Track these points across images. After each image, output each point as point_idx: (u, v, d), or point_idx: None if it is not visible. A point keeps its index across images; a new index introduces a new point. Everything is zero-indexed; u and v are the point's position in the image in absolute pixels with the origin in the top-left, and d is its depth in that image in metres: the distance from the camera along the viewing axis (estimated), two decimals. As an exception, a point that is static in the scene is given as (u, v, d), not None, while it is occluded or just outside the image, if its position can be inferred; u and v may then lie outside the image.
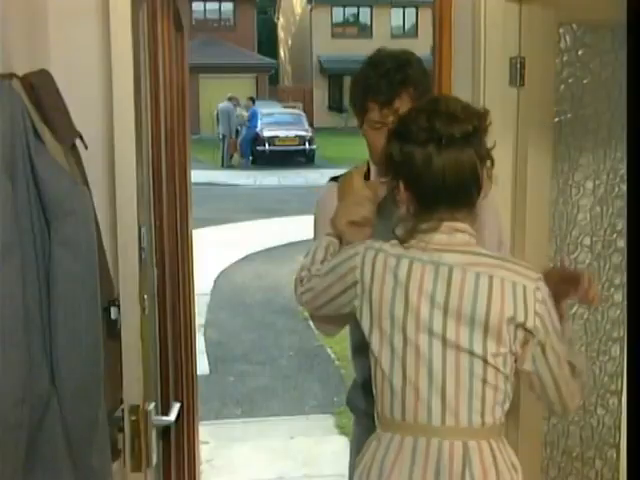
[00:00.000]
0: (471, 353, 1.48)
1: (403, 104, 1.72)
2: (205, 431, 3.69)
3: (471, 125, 1.49)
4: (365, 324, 1.57)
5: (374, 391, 1.59)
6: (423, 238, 1.52)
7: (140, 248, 1.48)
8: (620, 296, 2.40)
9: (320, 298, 1.68)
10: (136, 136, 1.44)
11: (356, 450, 1.77)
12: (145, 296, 1.52)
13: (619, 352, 2.42)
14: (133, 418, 1.48)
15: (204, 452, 3.54)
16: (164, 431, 1.99)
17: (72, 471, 1.43)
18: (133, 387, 1.48)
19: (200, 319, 5.92)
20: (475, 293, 1.47)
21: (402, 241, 1.54)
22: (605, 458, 2.48)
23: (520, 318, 1.47)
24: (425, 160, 1.48)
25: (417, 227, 1.53)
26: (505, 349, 1.49)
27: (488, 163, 1.54)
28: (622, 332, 2.40)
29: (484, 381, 1.49)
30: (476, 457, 1.50)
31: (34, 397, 1.33)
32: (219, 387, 4.96)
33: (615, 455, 2.44)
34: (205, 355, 5.42)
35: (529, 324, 1.48)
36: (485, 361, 1.48)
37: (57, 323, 1.39)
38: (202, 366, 5.01)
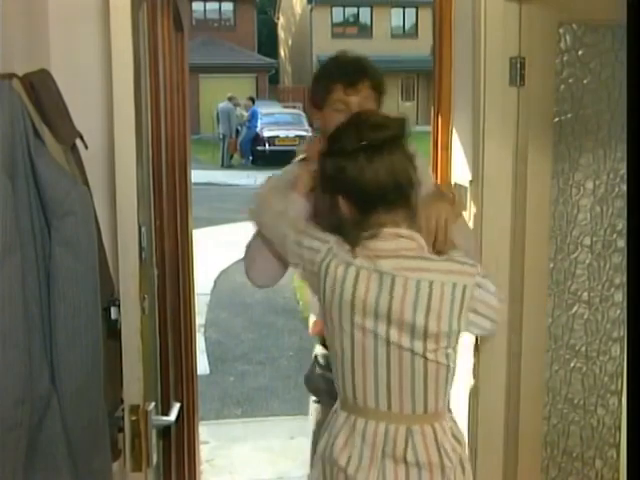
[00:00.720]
0: (412, 352, 1.60)
1: (364, 91, 1.86)
2: (205, 431, 3.69)
3: (395, 130, 1.60)
4: (321, 313, 1.72)
5: (333, 371, 1.72)
6: (367, 245, 1.60)
7: (140, 248, 1.48)
8: (620, 296, 2.40)
9: (268, 222, 1.87)
10: (136, 136, 1.43)
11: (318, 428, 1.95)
12: (145, 296, 1.52)
13: (619, 352, 2.42)
14: (133, 418, 1.48)
15: (204, 452, 3.54)
16: (164, 431, 1.99)
17: (72, 471, 1.43)
18: (133, 387, 1.48)
19: (200, 319, 5.92)
20: (415, 303, 1.57)
21: (351, 249, 1.62)
22: (605, 458, 2.48)
23: (454, 326, 1.60)
24: (358, 170, 1.56)
25: (360, 235, 1.61)
26: (445, 344, 1.61)
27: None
28: (622, 332, 2.40)
29: (425, 375, 1.61)
30: (419, 438, 1.63)
31: (34, 397, 1.33)
32: (219, 387, 4.96)
33: (615, 455, 2.44)
34: (205, 355, 5.41)
35: (463, 321, 1.61)
36: (425, 358, 1.60)
37: (57, 322, 1.39)
38: (202, 366, 5.00)
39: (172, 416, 1.77)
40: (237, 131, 17.82)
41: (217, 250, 8.61)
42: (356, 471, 1.64)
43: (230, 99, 17.71)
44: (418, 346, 1.59)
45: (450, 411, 1.74)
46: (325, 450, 1.71)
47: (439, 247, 1.71)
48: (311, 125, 19.88)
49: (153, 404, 1.53)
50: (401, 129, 1.60)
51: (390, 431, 1.63)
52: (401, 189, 1.59)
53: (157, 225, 1.93)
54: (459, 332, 1.62)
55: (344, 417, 1.69)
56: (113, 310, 1.58)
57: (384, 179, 1.56)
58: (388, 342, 1.60)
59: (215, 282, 7.53)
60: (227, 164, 17.51)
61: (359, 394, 1.65)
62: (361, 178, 1.56)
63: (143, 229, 1.51)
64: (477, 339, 2.37)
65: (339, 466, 1.66)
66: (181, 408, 2.21)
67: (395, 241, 1.60)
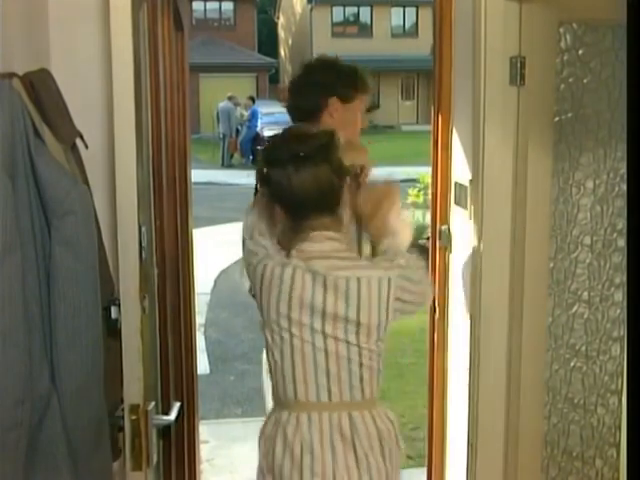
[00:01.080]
0: (347, 342, 1.75)
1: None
2: (205, 430, 3.69)
3: (321, 141, 1.73)
4: (260, 320, 1.83)
5: (272, 376, 1.85)
6: (300, 247, 1.75)
7: (140, 247, 1.48)
8: (620, 295, 2.39)
9: None
10: (136, 136, 1.43)
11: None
12: (145, 295, 1.52)
13: (619, 351, 2.42)
14: (133, 417, 1.48)
15: (204, 451, 3.54)
16: (164, 430, 1.99)
17: (72, 470, 1.43)
18: (133, 386, 1.48)
19: (200, 318, 5.92)
20: (347, 297, 1.72)
21: (287, 252, 1.77)
22: (605, 457, 2.48)
23: (383, 317, 1.75)
24: (287, 179, 1.71)
25: (293, 238, 1.77)
26: (376, 334, 1.76)
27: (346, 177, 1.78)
28: (622, 331, 2.40)
29: (360, 364, 1.77)
30: (361, 423, 1.79)
31: (34, 396, 1.33)
32: (219, 386, 4.96)
33: (615, 454, 2.44)
34: (205, 354, 5.41)
35: (390, 312, 1.76)
36: (359, 347, 1.76)
37: (57, 322, 1.39)
38: (202, 365, 5.00)
39: (172, 415, 1.77)
40: (237, 131, 17.81)
41: (217, 250, 8.62)
42: (312, 460, 1.77)
43: (230, 98, 17.70)
44: (352, 337, 1.75)
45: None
46: (275, 451, 1.82)
47: (373, 231, 1.92)
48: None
49: (153, 403, 1.53)
50: (328, 140, 1.74)
51: (334, 419, 1.78)
52: (325, 196, 1.74)
53: (157, 225, 1.93)
54: (387, 322, 1.77)
55: (285, 416, 1.80)
56: (113, 309, 1.58)
57: (309, 187, 1.71)
58: (325, 335, 1.74)
59: (215, 281, 7.53)
60: (227, 164, 17.51)
61: (300, 390, 1.78)
62: (289, 186, 1.71)
63: (143, 229, 1.51)
64: (476, 339, 2.37)
65: (295, 460, 1.78)
66: (181, 407, 2.21)
67: (324, 243, 1.75)
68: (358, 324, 1.74)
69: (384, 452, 1.83)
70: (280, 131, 1.84)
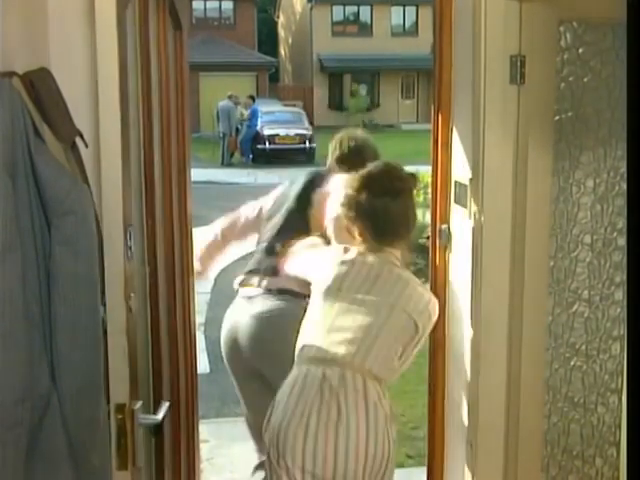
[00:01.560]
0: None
1: None
2: (205, 429, 3.69)
3: (411, 182, 2.40)
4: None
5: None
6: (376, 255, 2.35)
7: (126, 247, 1.48)
8: (620, 294, 2.39)
9: None
10: (122, 135, 1.43)
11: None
12: (132, 295, 1.52)
13: (619, 350, 2.42)
14: (119, 417, 1.48)
15: (204, 451, 3.54)
16: (160, 430, 1.99)
17: (73, 469, 1.43)
18: (119, 386, 1.49)
19: (200, 317, 5.91)
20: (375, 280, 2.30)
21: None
22: (605, 456, 2.48)
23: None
24: (383, 207, 2.28)
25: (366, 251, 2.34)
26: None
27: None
28: (622, 330, 2.40)
29: None
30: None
31: (34, 396, 1.33)
32: (219, 386, 4.95)
33: (615, 453, 2.43)
34: (205, 354, 5.41)
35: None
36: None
37: (57, 322, 1.39)
38: (202, 365, 5.00)
39: (160, 415, 1.77)
40: (237, 130, 17.81)
41: (217, 249, 8.60)
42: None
43: (230, 97, 17.69)
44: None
45: None
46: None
47: None
48: (311, 123, 19.85)
49: (140, 403, 1.53)
50: (414, 182, 2.40)
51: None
52: (408, 226, 2.37)
53: (149, 224, 1.93)
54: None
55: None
56: (101, 309, 1.58)
57: (397, 218, 2.31)
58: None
59: (215, 280, 7.52)
60: (227, 162, 17.51)
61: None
62: (385, 213, 2.28)
63: (130, 228, 1.51)
64: (476, 337, 2.37)
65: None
66: (176, 407, 2.21)
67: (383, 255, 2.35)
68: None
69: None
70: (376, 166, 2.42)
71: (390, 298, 2.24)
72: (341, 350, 2.14)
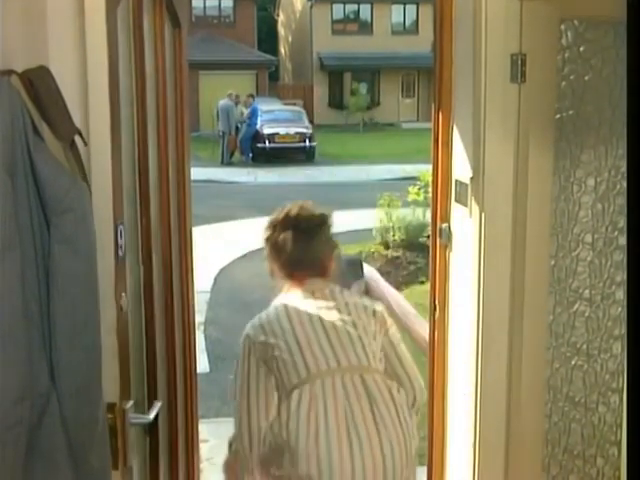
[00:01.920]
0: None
1: None
2: (205, 429, 3.69)
3: (319, 220, 2.33)
4: None
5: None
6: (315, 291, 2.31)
7: (117, 245, 1.48)
8: (621, 293, 2.39)
9: None
10: (112, 132, 1.43)
11: None
12: (123, 294, 1.51)
13: (620, 350, 2.42)
14: (110, 416, 1.48)
15: (204, 450, 3.54)
16: (155, 430, 1.99)
17: (72, 469, 1.43)
18: (109, 385, 1.49)
19: (200, 317, 5.92)
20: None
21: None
22: (607, 456, 2.48)
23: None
24: (297, 243, 2.26)
25: (309, 285, 2.32)
26: None
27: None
28: (623, 329, 2.40)
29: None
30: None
31: (34, 394, 1.33)
32: (219, 385, 4.96)
33: (616, 453, 2.44)
34: (205, 353, 5.42)
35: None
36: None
37: (56, 320, 1.39)
38: (202, 364, 5.00)
39: (151, 415, 1.77)
40: (237, 128, 17.79)
41: (217, 248, 8.62)
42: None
43: (230, 96, 17.68)
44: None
45: None
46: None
47: None
48: (311, 122, 19.86)
49: (131, 402, 1.53)
50: (323, 220, 2.32)
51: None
52: (320, 260, 2.30)
53: (143, 223, 1.92)
54: None
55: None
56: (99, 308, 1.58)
57: (304, 252, 2.26)
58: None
59: (215, 280, 7.53)
60: (227, 161, 17.49)
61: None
62: (288, 249, 2.25)
63: (121, 227, 1.50)
64: (477, 337, 2.37)
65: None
66: (174, 406, 2.21)
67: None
68: None
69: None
70: None
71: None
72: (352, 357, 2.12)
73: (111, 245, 1.47)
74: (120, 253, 1.50)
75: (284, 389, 2.10)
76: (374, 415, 2.03)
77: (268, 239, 2.31)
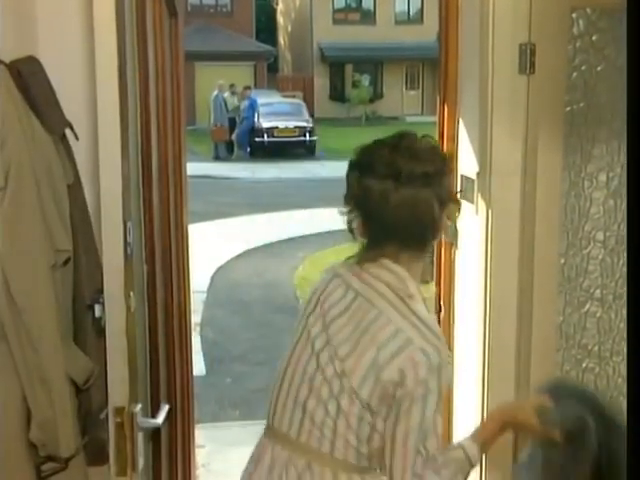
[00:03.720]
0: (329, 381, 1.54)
1: None
2: (201, 434, 3.69)
3: (433, 166, 1.53)
4: None
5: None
6: (362, 266, 1.59)
7: (125, 243, 1.47)
8: (634, 293, 2.39)
9: None
10: (121, 127, 1.42)
11: None
12: (131, 293, 1.51)
13: (633, 352, 2.42)
14: (118, 420, 1.47)
15: (200, 456, 3.54)
16: (157, 434, 1.99)
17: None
18: (118, 388, 1.48)
19: (196, 317, 5.92)
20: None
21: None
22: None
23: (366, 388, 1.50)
24: (382, 195, 1.51)
25: (362, 255, 1.60)
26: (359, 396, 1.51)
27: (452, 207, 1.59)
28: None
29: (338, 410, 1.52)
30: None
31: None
32: (216, 389, 4.96)
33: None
34: (201, 355, 5.42)
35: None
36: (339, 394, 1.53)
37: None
38: (198, 367, 5.00)
39: (160, 419, 1.76)
40: (234, 120, 17.70)
41: (214, 246, 8.62)
42: None
43: (220, 87, 17.57)
44: (336, 381, 1.53)
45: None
46: None
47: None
48: (312, 115, 19.84)
49: (140, 406, 1.52)
50: (441, 166, 1.55)
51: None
52: (418, 229, 1.55)
53: (146, 219, 1.92)
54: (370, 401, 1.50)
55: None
56: (97, 308, 1.57)
57: (404, 214, 1.52)
58: (318, 360, 1.55)
59: (212, 279, 7.53)
60: (222, 156, 17.44)
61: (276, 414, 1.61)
62: (381, 206, 1.52)
63: (129, 224, 1.50)
64: (484, 339, 2.37)
65: None
66: (173, 410, 2.20)
67: (384, 271, 1.56)
68: (342, 372, 1.52)
69: None
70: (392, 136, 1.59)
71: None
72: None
73: (120, 243, 1.46)
74: (129, 251, 1.50)
75: None
76: None
77: (350, 177, 1.62)
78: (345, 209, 1.60)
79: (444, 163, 1.57)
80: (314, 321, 1.59)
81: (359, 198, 1.56)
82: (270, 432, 1.62)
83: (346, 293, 1.58)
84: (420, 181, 1.51)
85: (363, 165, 1.56)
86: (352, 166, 1.59)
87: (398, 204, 1.50)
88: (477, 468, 2.44)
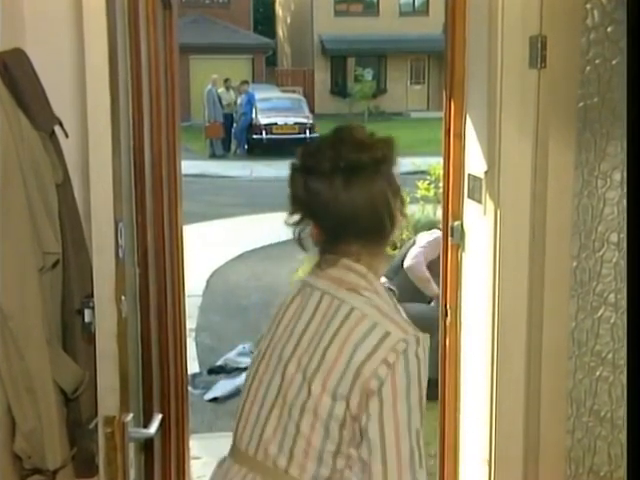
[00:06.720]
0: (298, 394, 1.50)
1: None
2: (196, 445, 3.69)
3: (381, 152, 1.50)
4: None
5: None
6: (324, 271, 1.55)
7: (117, 245, 1.47)
8: (650, 298, 2.39)
9: None
10: (112, 124, 1.42)
11: None
12: (123, 297, 1.51)
13: (649, 359, 2.42)
14: (108, 430, 1.47)
15: (195, 468, 3.54)
16: (150, 445, 1.98)
17: None
18: (108, 396, 1.47)
19: (191, 323, 5.91)
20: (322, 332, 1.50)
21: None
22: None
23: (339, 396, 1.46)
24: (332, 193, 1.47)
25: (321, 260, 1.56)
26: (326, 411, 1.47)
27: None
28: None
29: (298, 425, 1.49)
30: None
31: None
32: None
33: (645, 472, 2.43)
34: (197, 362, 5.42)
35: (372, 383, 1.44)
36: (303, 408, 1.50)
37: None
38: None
39: (152, 429, 1.76)
40: (231, 117, 17.73)
41: (210, 248, 8.62)
42: None
43: (213, 81, 17.60)
44: (304, 391, 1.48)
45: None
46: None
47: None
48: (312, 111, 19.91)
49: (131, 415, 1.52)
50: (388, 151, 1.52)
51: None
52: (378, 222, 1.52)
53: (139, 220, 1.92)
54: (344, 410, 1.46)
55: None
56: (87, 312, 1.57)
57: (360, 208, 1.48)
58: (284, 371, 1.52)
59: (207, 282, 7.53)
60: (219, 154, 17.46)
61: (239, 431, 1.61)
62: (333, 204, 1.48)
63: (121, 225, 1.50)
64: (493, 345, 2.37)
65: None
66: (166, 420, 2.20)
67: (346, 273, 1.53)
68: (310, 382, 1.48)
69: None
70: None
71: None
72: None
73: (111, 245, 1.46)
74: (120, 254, 1.49)
75: None
76: None
77: (300, 190, 1.56)
78: (292, 219, 1.56)
79: (391, 149, 1.53)
80: (281, 333, 1.56)
81: (308, 202, 1.52)
82: (232, 450, 1.63)
83: (313, 298, 1.55)
84: (370, 169, 1.48)
85: (306, 167, 1.52)
86: (295, 171, 1.55)
87: (351, 198, 1.47)
88: (486, 467, 2.44)
